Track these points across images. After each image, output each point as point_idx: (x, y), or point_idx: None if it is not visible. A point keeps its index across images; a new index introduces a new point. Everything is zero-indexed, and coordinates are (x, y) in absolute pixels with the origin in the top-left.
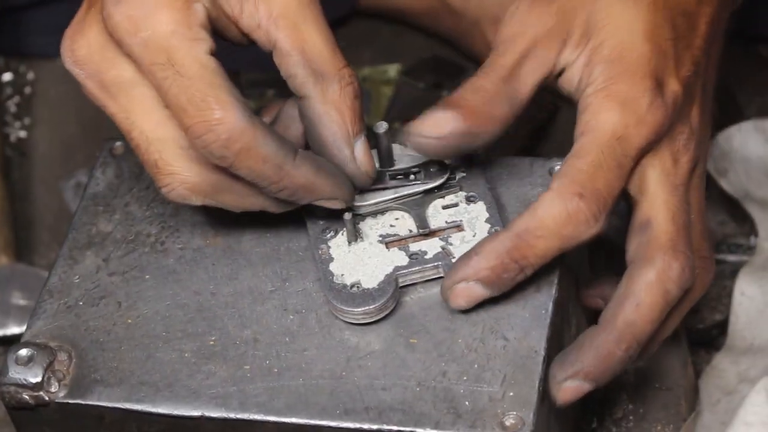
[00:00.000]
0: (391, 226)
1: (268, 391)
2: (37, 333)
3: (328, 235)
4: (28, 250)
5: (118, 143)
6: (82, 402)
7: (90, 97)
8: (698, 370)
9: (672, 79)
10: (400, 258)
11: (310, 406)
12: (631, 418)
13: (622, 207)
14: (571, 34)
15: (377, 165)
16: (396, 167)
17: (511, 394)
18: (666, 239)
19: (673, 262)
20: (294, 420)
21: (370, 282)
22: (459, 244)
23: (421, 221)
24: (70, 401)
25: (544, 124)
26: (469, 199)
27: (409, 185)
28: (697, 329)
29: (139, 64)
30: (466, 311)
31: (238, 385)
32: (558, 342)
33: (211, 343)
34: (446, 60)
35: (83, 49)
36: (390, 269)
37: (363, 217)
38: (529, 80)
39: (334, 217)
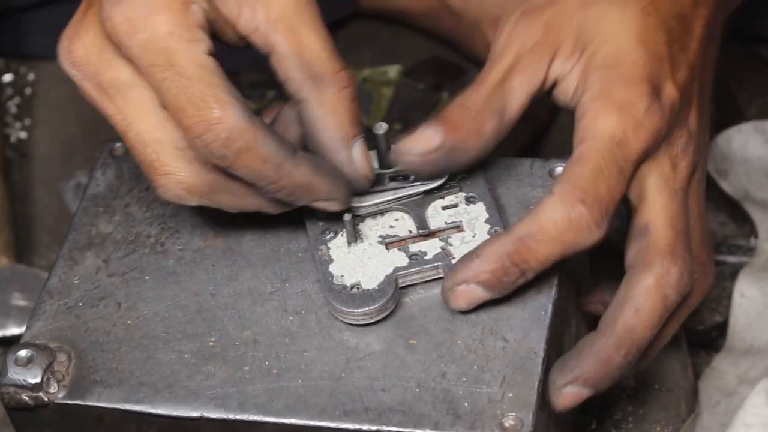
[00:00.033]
0: (391, 227)
1: (268, 392)
2: (36, 334)
3: (328, 236)
4: (28, 251)
5: (118, 144)
6: (82, 403)
7: (87, 98)
8: (698, 372)
9: (668, 83)
10: (399, 259)
11: (310, 407)
12: (630, 419)
13: (623, 209)
14: (561, 45)
15: (376, 166)
16: (395, 168)
17: (511, 395)
18: (665, 244)
19: (672, 267)
20: (293, 421)
21: (370, 283)
22: (459, 245)
23: (421, 222)
24: (70, 402)
25: (544, 125)
26: (468, 200)
27: (408, 186)
28: (696, 331)
29: (137, 65)
30: (465, 312)
31: (238, 386)
32: (557, 343)
33: (211, 344)
34: (446, 61)
35: (81, 50)
36: (390, 270)
37: (363, 218)
38: (518, 94)
39: (333, 218)
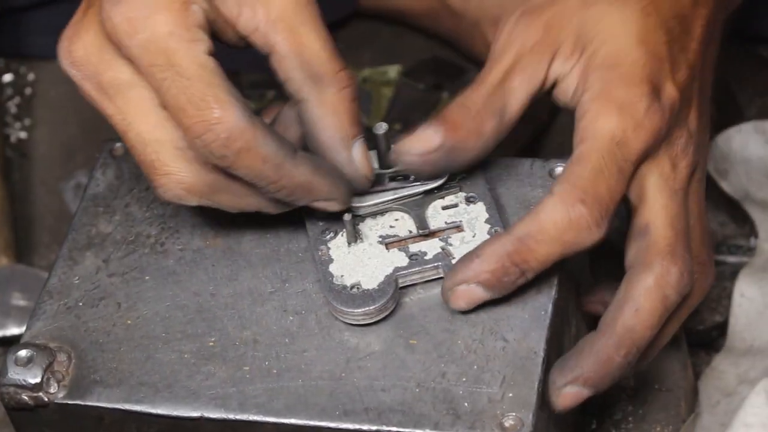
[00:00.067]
0: (391, 227)
1: (268, 392)
2: (36, 334)
3: (328, 236)
4: (28, 251)
5: (118, 144)
6: (82, 403)
7: (87, 98)
8: (698, 372)
9: (668, 83)
10: (399, 259)
11: (310, 407)
12: (630, 419)
13: (623, 209)
14: (561, 45)
15: (376, 166)
16: (395, 168)
17: (511, 395)
18: (665, 244)
19: (672, 267)
20: (293, 421)
21: (370, 283)
22: (459, 245)
23: (421, 222)
24: (70, 402)
25: (544, 125)
26: (468, 200)
27: (408, 186)
28: (696, 330)
29: (137, 65)
30: (465, 312)
31: (238, 386)
32: (557, 343)
33: (211, 344)
34: (446, 61)
35: (81, 50)
36: (390, 270)
37: (362, 218)
38: (518, 94)
39: (333, 218)
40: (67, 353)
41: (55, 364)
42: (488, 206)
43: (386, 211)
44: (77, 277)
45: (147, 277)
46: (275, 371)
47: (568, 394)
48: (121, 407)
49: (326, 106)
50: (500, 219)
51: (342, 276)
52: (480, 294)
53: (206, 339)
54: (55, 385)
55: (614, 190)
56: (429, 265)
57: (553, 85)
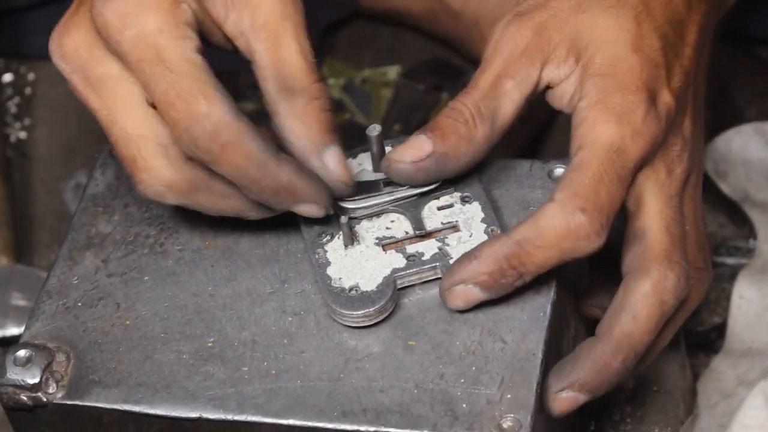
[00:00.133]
0: (387, 228)
1: (266, 392)
2: (35, 334)
3: (325, 239)
4: (27, 251)
5: None
6: (80, 403)
7: (74, 92)
8: (696, 373)
9: (664, 90)
10: (397, 260)
11: (308, 407)
12: (629, 420)
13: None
14: (554, 49)
15: (370, 168)
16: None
17: (509, 396)
18: (661, 250)
19: (669, 273)
20: (292, 422)
21: (369, 285)
22: (456, 245)
23: (417, 223)
24: (68, 402)
25: (544, 125)
26: (464, 200)
27: (403, 188)
28: (695, 332)
29: (127, 61)
30: (464, 313)
31: (236, 387)
32: (556, 345)
33: (210, 344)
34: (446, 62)
35: (71, 44)
36: (388, 271)
37: (358, 220)
38: (510, 98)
39: (329, 221)
40: (65, 353)
41: (53, 365)
42: (484, 206)
43: (382, 213)
44: (76, 278)
45: (146, 278)
46: (274, 372)
47: (564, 398)
48: (120, 408)
49: (296, 117)
50: (496, 218)
51: (340, 278)
52: (477, 294)
53: (205, 339)
54: (54, 385)
55: (614, 198)
56: (427, 266)
57: (546, 88)
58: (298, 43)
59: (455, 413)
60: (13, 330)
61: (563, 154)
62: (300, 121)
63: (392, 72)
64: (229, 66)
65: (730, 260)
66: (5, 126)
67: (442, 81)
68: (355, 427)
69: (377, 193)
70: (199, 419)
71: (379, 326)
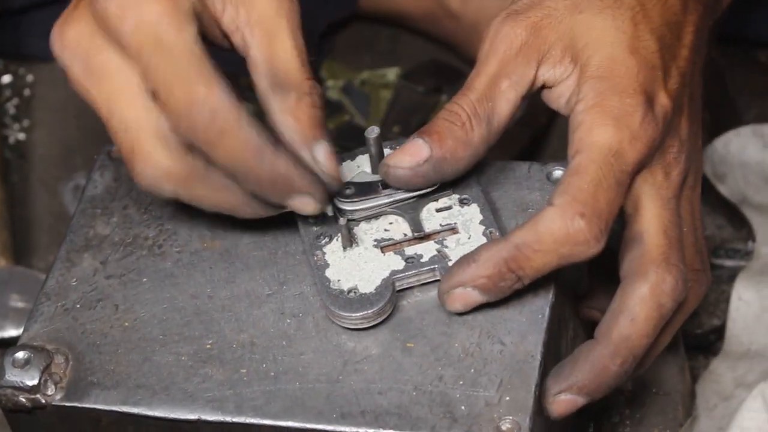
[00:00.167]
0: (386, 230)
1: (265, 394)
2: (34, 336)
3: (323, 241)
4: (26, 253)
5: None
6: (79, 405)
7: (74, 83)
8: (695, 375)
9: (661, 92)
10: (396, 262)
11: (307, 409)
12: (627, 422)
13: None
14: (549, 49)
15: (369, 170)
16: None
17: (508, 398)
18: (658, 253)
19: (667, 276)
20: (290, 424)
21: (367, 287)
22: (454, 247)
23: (416, 225)
24: (67, 404)
25: (543, 128)
26: (462, 202)
27: (402, 190)
28: (694, 334)
29: (127, 49)
30: (462, 315)
31: (235, 389)
32: (555, 347)
33: (208, 346)
34: (445, 64)
35: (72, 34)
36: (386, 273)
37: (357, 222)
38: (506, 98)
39: (328, 223)
40: (64, 355)
41: (52, 366)
42: (482, 207)
43: (380, 215)
44: (75, 279)
45: (144, 279)
46: (272, 374)
47: (562, 401)
48: (119, 409)
49: (287, 112)
50: (495, 220)
51: (339, 281)
52: (476, 297)
53: (203, 341)
54: (53, 387)
55: (613, 203)
56: (425, 268)
57: (542, 87)
58: (293, 40)
59: (454, 415)
60: (12, 332)
61: (562, 156)
62: (291, 116)
63: (391, 74)
64: (228, 68)
65: (729, 262)
66: (4, 127)
67: (441, 83)
68: (354, 429)
69: (376, 195)
70: (197, 421)
71: (378, 328)
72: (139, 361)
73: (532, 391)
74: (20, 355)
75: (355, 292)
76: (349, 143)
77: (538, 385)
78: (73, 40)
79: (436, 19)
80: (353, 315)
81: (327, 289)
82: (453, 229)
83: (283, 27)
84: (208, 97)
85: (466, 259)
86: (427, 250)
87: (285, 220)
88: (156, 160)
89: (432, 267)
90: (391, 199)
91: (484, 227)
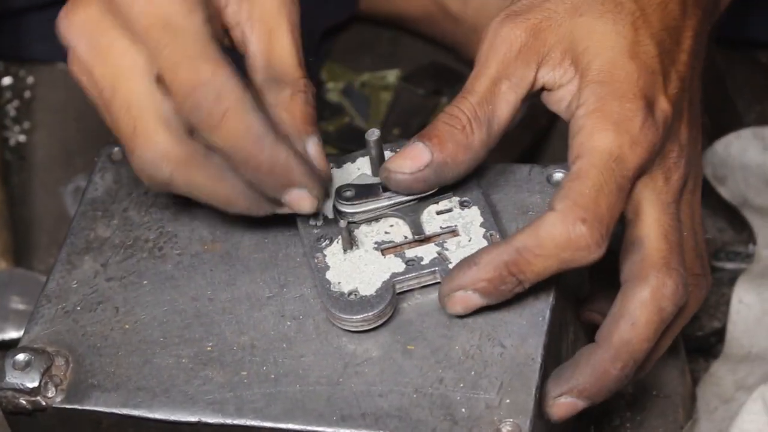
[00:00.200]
0: (386, 233)
1: (265, 397)
2: (34, 338)
3: (324, 244)
4: (27, 255)
5: (117, 148)
6: (79, 407)
7: (77, 63)
8: (696, 378)
9: (661, 97)
10: (396, 264)
11: (307, 412)
12: (628, 425)
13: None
14: (549, 51)
15: (370, 172)
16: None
17: (508, 401)
18: (659, 257)
19: (667, 280)
20: (291, 426)
21: (368, 289)
22: (455, 249)
23: (416, 227)
24: (67, 406)
25: (544, 130)
26: (462, 204)
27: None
28: (695, 337)
29: (135, 30)
30: (463, 317)
31: (235, 391)
32: (555, 350)
33: (209, 348)
34: (445, 66)
35: (80, 16)
36: (387, 276)
37: (357, 224)
38: (506, 101)
39: (328, 225)
40: (64, 357)
41: (52, 369)
42: (482, 210)
43: (381, 218)
44: (75, 281)
45: (145, 282)
46: (273, 376)
47: (563, 404)
48: (119, 412)
49: (280, 105)
50: (495, 223)
51: (339, 283)
52: (477, 300)
53: (204, 344)
54: (53, 389)
55: (614, 208)
56: (426, 270)
57: (542, 89)
58: (292, 39)
59: (454, 418)
60: (12, 334)
61: (562, 158)
62: (285, 110)
63: (391, 76)
64: None
65: (730, 265)
66: (4, 129)
67: (441, 85)
68: None
69: (376, 198)
70: (198, 423)
71: (378, 331)
72: (140, 363)
73: (532, 394)
74: (21, 357)
75: (355, 295)
76: (349, 145)
77: (538, 388)
78: (80, 21)
79: (436, 22)
80: (354, 317)
81: (327, 292)
82: (453, 232)
83: (282, 25)
84: (215, 78)
85: (467, 262)
86: (427, 252)
87: (285, 223)
88: (156, 140)
89: (432, 269)
90: (392, 202)
91: (484, 230)
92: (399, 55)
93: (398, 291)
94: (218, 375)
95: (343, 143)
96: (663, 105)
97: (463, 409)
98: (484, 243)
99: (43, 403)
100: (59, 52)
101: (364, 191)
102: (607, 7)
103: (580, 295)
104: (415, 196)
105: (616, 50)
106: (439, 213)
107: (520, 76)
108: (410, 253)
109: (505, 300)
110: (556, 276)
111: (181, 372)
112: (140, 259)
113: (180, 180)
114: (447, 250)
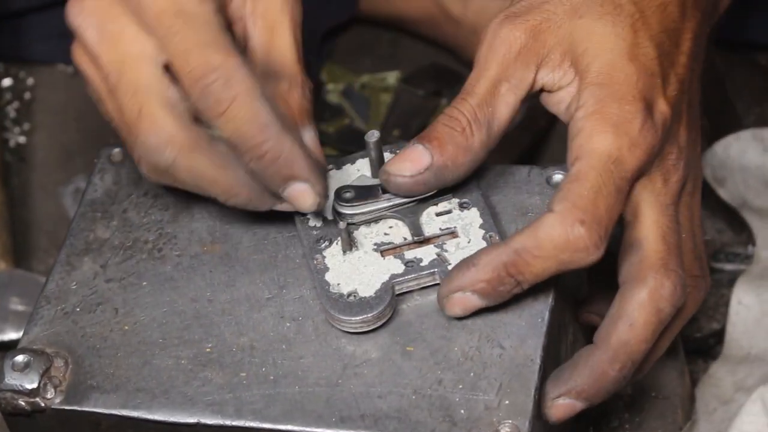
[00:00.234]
0: (386, 234)
1: (264, 398)
2: (33, 339)
3: (323, 245)
4: (26, 256)
5: (117, 150)
6: (79, 408)
7: (83, 49)
8: (695, 379)
9: (660, 99)
10: (395, 266)
11: (306, 413)
12: (627, 426)
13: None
14: (548, 53)
15: (369, 174)
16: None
17: (507, 402)
18: (657, 258)
19: (665, 281)
20: (290, 427)
21: (367, 290)
22: (454, 251)
23: (416, 229)
24: (67, 407)
25: (543, 131)
26: (462, 206)
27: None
28: (694, 338)
29: (146, 16)
30: (462, 319)
31: (234, 392)
32: (554, 351)
33: (208, 350)
34: (445, 68)
35: (91, 2)
36: (386, 277)
37: (357, 226)
38: (506, 102)
39: (327, 226)
40: (64, 358)
41: (52, 370)
42: (482, 212)
43: (380, 219)
44: (75, 283)
45: (144, 283)
46: (272, 377)
47: (561, 405)
48: (118, 413)
49: (278, 97)
50: (494, 224)
51: (338, 284)
52: (475, 302)
53: (203, 345)
54: (52, 390)
55: (613, 210)
56: (425, 272)
57: (541, 90)
58: (293, 36)
59: (453, 419)
60: (12, 335)
61: (562, 159)
62: (282, 102)
63: (391, 77)
64: None
65: (729, 266)
66: (4, 130)
67: (441, 86)
68: None
69: (375, 199)
70: (197, 425)
71: (378, 332)
72: (139, 364)
73: (531, 395)
74: (20, 358)
75: (354, 296)
76: (349, 147)
77: (537, 389)
78: (90, 7)
79: (436, 23)
80: (353, 319)
81: (327, 293)
82: (453, 233)
83: (284, 22)
84: (225, 65)
85: (466, 264)
86: (426, 254)
87: (285, 224)
88: (161, 124)
89: (432, 271)
90: (391, 203)
91: (483, 231)
92: (399, 57)
93: (397, 292)
94: (217, 376)
95: (343, 145)
96: (662, 107)
97: (462, 411)
98: (484, 244)
99: (42, 405)
100: (59, 54)
101: (363, 193)
102: (606, 9)
103: (578, 296)
104: (415, 198)
105: (615, 52)
106: (438, 214)
107: (519, 77)
108: (409, 254)
109: (503, 301)
110: (555, 277)
111: (181, 373)
112: (139, 261)
113: (182, 166)
114: (446, 251)
